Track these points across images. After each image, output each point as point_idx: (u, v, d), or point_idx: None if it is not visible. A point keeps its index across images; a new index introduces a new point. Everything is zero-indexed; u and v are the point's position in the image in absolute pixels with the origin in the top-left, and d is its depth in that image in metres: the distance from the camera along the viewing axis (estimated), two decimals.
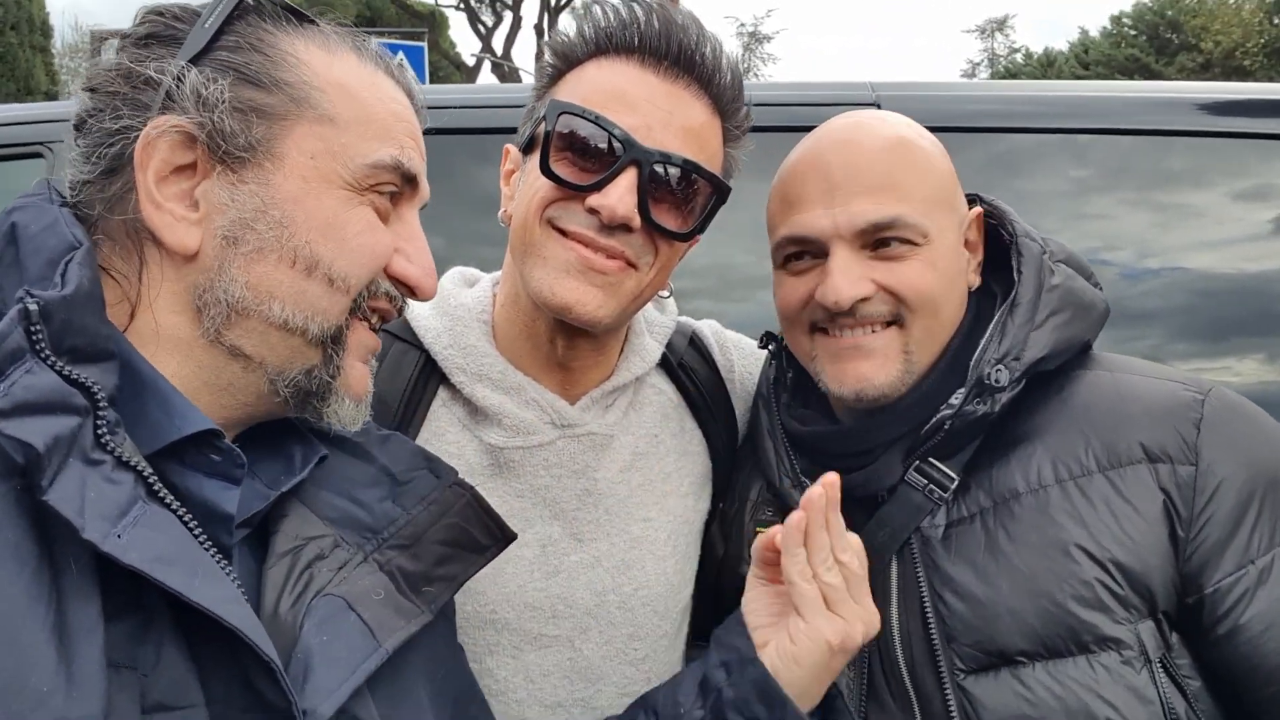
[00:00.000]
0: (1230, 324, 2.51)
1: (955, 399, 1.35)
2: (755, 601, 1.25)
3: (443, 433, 1.45)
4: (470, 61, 27.77)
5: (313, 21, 1.01)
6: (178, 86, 0.90)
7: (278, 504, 1.01)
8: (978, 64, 54.07)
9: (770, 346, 1.63)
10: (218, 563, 0.86)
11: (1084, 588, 1.24)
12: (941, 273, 1.37)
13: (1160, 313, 2.45)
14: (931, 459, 1.37)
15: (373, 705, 0.94)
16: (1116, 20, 38.45)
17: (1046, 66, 39.39)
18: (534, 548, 1.43)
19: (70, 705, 0.71)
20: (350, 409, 1.01)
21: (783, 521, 1.50)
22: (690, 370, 1.65)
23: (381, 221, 1.00)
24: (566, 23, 1.43)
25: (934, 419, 1.36)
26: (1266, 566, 1.24)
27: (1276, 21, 31.69)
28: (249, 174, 0.92)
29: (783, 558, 1.18)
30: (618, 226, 1.31)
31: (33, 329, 0.77)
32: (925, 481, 1.37)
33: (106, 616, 0.77)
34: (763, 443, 1.55)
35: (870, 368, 1.37)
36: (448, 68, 27.71)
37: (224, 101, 0.90)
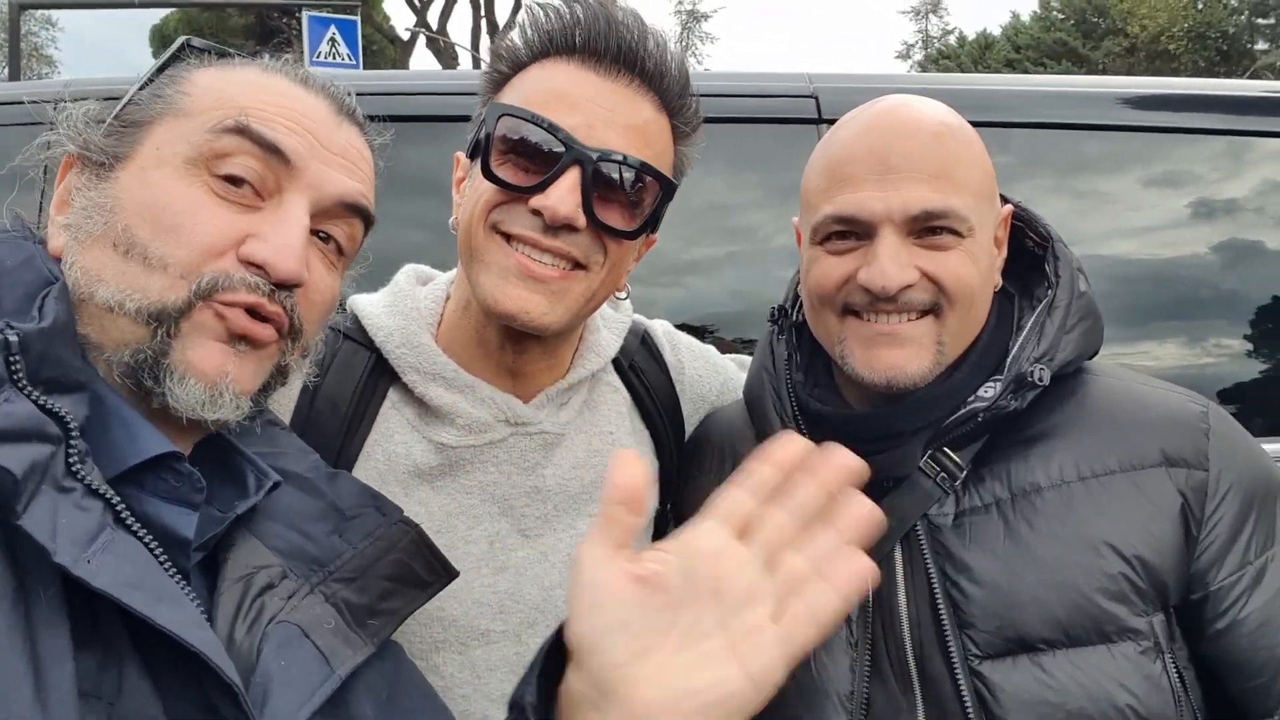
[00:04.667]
0: (1149, 310, 2.60)
1: (987, 392, 1.37)
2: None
3: (391, 434, 1.43)
4: (405, 36, 27.16)
5: (235, 56, 1.08)
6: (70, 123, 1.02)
7: (227, 532, 1.02)
8: (912, 45, 54.79)
9: (780, 322, 1.60)
10: (180, 587, 0.88)
11: (1110, 581, 1.27)
12: (980, 267, 1.38)
13: None
14: (946, 448, 1.39)
15: None
16: (1045, 4, 39.15)
17: (984, 50, 39.94)
18: (482, 544, 1.43)
19: None
20: (198, 391, 0.93)
21: None
22: (640, 371, 1.66)
23: (226, 202, 0.97)
24: (514, 26, 1.42)
25: (964, 409, 1.37)
26: (1261, 568, 1.31)
27: (1200, 6, 32.53)
28: (108, 176, 0.98)
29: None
30: (562, 227, 1.30)
31: (11, 360, 0.81)
32: (938, 469, 1.38)
33: (73, 646, 0.78)
34: (768, 418, 1.52)
35: (904, 356, 1.36)
36: (381, 42, 27.08)
37: (95, 123, 1.01)
